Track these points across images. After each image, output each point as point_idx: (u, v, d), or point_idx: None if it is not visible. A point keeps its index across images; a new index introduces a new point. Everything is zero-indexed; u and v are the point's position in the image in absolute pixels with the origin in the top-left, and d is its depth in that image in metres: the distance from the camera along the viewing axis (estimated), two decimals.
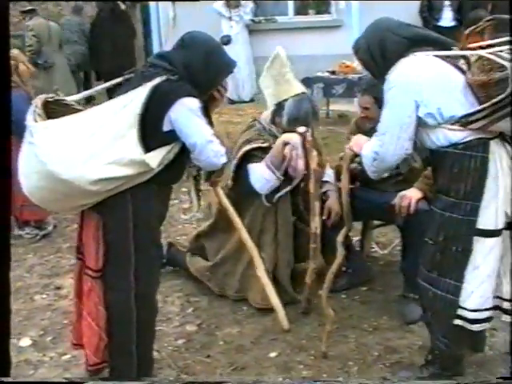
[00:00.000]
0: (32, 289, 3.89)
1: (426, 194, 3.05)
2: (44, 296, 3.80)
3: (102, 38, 8.81)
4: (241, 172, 3.45)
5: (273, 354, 3.04)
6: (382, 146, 2.49)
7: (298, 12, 9.85)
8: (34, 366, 3.04)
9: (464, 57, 2.45)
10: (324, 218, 3.36)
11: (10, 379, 2.49)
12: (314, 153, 3.18)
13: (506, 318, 2.51)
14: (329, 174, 3.62)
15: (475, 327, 2.49)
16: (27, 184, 2.47)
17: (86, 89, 8.65)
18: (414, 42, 2.50)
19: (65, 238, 4.68)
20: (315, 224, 3.16)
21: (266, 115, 3.56)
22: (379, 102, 2.89)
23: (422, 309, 2.71)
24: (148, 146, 2.47)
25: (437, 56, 2.47)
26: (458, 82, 2.42)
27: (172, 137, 2.53)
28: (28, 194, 2.50)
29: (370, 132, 2.79)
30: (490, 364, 2.83)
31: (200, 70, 2.58)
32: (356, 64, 7.14)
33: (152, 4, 10.21)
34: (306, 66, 7.59)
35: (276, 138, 3.40)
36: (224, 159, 2.68)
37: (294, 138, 3.26)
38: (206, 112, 2.64)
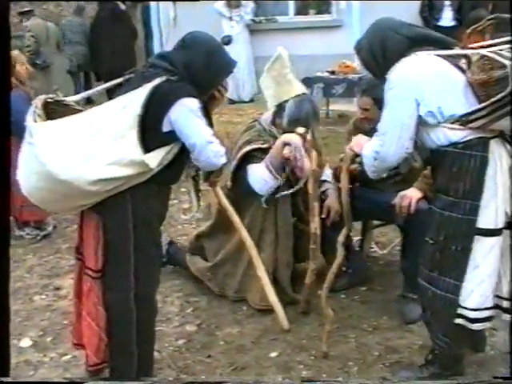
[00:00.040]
0: (32, 289, 3.89)
1: (426, 194, 3.06)
2: (44, 296, 3.80)
3: (102, 39, 8.82)
4: (240, 173, 3.45)
5: (273, 354, 3.04)
6: (383, 146, 2.49)
7: (298, 12, 9.84)
8: (34, 367, 3.04)
9: (465, 56, 2.45)
10: (323, 216, 3.36)
11: (10, 379, 2.49)
12: (314, 153, 3.18)
13: (506, 317, 2.51)
14: (327, 174, 3.61)
15: (476, 326, 2.49)
16: (27, 184, 2.47)
17: (86, 89, 8.64)
18: (415, 42, 2.50)
19: (64, 239, 4.68)
20: (315, 224, 3.16)
21: (267, 116, 3.56)
22: (379, 103, 2.89)
23: (422, 308, 2.71)
24: (148, 147, 2.46)
25: (438, 55, 2.47)
26: (459, 81, 2.42)
27: (172, 137, 2.53)
28: (27, 194, 2.50)
29: (370, 132, 2.78)
30: (490, 364, 2.83)
31: (201, 69, 2.58)
32: (356, 64, 7.15)
33: (153, 4, 10.21)
34: (306, 66, 7.58)
35: (276, 139, 3.39)
36: (224, 159, 2.68)
37: (293, 138, 3.25)
38: (206, 112, 2.64)
